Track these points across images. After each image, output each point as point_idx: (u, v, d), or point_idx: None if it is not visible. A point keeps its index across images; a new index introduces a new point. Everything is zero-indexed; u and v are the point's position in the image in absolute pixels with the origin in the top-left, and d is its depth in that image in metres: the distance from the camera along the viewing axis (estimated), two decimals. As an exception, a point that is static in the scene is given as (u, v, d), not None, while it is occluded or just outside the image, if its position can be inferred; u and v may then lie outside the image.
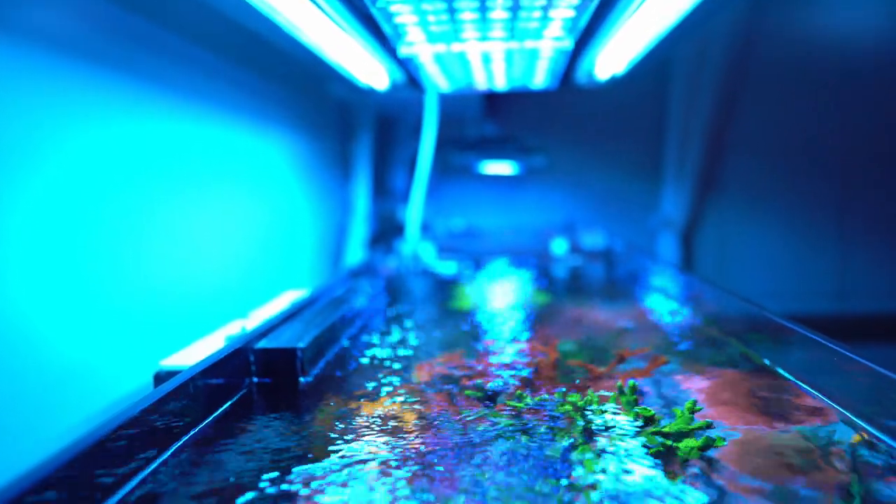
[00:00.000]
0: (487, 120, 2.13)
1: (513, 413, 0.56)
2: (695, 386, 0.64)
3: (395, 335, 0.87)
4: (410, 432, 0.53)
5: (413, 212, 1.83)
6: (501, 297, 1.16)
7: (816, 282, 2.15)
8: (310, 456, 0.48)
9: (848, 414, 0.55)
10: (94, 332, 0.76)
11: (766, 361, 0.70)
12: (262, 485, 0.44)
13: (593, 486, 0.43)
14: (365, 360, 0.75)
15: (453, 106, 1.91)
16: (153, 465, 0.47)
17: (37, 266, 0.67)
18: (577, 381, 0.65)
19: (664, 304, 1.07)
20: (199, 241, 1.04)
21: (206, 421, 0.56)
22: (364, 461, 0.47)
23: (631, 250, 1.60)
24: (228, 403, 0.60)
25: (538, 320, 0.96)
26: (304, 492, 0.43)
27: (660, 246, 2.21)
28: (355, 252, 1.94)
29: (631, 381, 0.56)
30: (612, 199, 2.25)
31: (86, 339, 0.74)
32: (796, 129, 2.12)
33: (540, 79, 1.33)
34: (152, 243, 0.90)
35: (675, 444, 0.48)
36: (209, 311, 1.05)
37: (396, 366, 0.73)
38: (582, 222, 2.14)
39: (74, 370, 0.72)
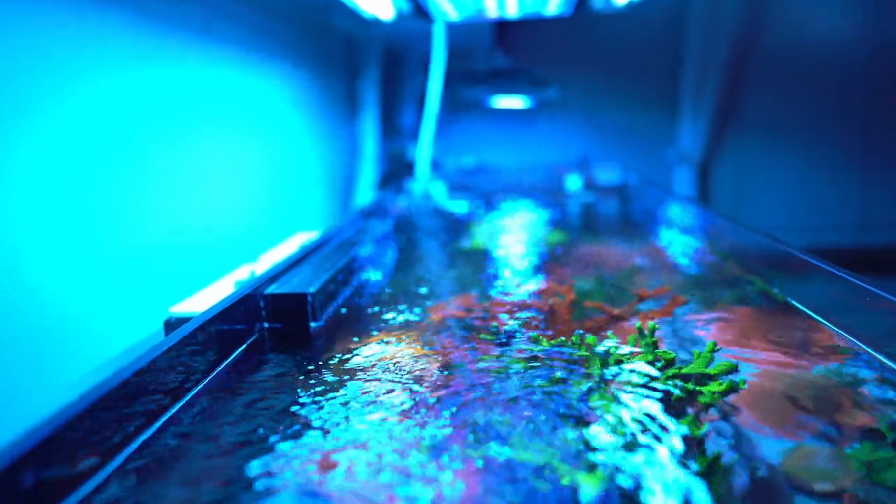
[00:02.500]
0: (498, 52, 2.05)
1: (529, 357, 0.55)
2: (714, 325, 0.62)
3: (407, 277, 0.86)
4: (424, 377, 0.52)
5: (422, 150, 1.79)
6: (515, 235, 1.14)
7: (836, 214, 2.10)
8: (322, 404, 0.48)
9: (871, 351, 0.54)
10: (102, 280, 0.75)
11: (787, 298, 0.68)
12: (276, 427, 0.43)
13: (610, 432, 0.42)
14: (376, 304, 0.74)
15: (462, 37, 1.83)
16: (171, 411, 0.46)
17: (40, 214, 0.65)
18: (595, 323, 0.64)
19: (681, 240, 1.04)
20: (205, 184, 1.02)
21: (221, 366, 0.55)
22: (376, 406, 0.46)
23: (646, 185, 1.56)
24: (241, 348, 0.60)
25: (553, 259, 0.94)
26: (317, 435, 0.42)
27: (676, 181, 2.16)
28: (365, 192, 1.91)
29: (651, 323, 0.55)
30: (627, 134, 2.18)
31: (94, 288, 0.74)
32: (819, 59, 2.02)
33: (554, 4, 1.26)
34: (157, 189, 0.88)
35: (697, 388, 0.47)
36: (218, 256, 1.04)
37: (409, 309, 0.71)
38: (596, 157, 2.09)
39: (84, 319, 0.72)
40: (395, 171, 2.00)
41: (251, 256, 0.93)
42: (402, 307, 0.72)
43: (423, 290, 0.79)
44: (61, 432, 0.36)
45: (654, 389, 0.48)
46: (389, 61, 2.01)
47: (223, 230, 1.08)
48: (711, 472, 0.37)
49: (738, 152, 2.13)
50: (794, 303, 0.67)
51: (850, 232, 2.11)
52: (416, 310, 0.71)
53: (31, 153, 0.64)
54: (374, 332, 0.64)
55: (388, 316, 0.69)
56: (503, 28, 2.06)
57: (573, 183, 1.78)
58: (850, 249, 2.08)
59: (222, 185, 1.09)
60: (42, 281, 0.65)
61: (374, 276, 0.87)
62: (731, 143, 2.12)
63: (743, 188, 2.15)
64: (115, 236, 0.78)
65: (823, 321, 0.62)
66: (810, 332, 0.59)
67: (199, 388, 0.51)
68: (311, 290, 0.67)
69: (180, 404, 0.48)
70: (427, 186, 1.75)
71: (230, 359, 0.58)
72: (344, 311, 0.72)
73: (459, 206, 1.51)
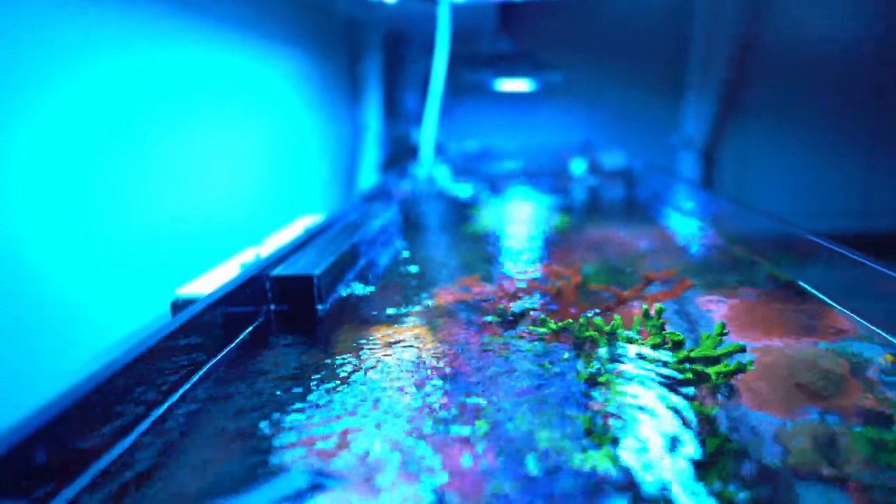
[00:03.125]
0: (502, 35, 2.03)
1: (535, 338, 0.55)
2: (721, 307, 0.62)
3: (412, 260, 0.86)
4: (430, 359, 0.52)
5: (426, 133, 1.78)
6: (520, 219, 1.14)
7: (840, 200, 2.09)
8: (333, 382, 0.48)
9: (880, 331, 0.54)
10: (105, 266, 0.75)
11: (795, 280, 0.68)
12: (280, 403, 0.44)
13: (619, 413, 0.42)
14: (382, 286, 0.74)
15: (466, 20, 1.81)
16: (183, 389, 0.46)
17: (41, 202, 0.65)
18: (601, 305, 0.64)
19: (686, 223, 1.04)
20: (208, 169, 1.02)
21: (229, 346, 0.56)
22: (382, 388, 0.47)
23: (651, 170, 1.56)
24: (248, 329, 0.60)
25: (559, 242, 0.93)
26: (326, 414, 0.42)
27: (680, 165, 2.15)
28: (369, 176, 1.91)
29: (658, 305, 0.55)
30: (631, 118, 2.17)
31: (97, 274, 0.74)
32: (826, 45, 2.00)
33: (560, -13, 1.24)
34: (159, 174, 0.87)
35: (704, 370, 0.47)
36: (222, 241, 1.04)
37: (415, 291, 0.71)
38: (601, 142, 2.08)
39: (87, 306, 0.72)
40: (399, 155, 2.00)
41: (255, 240, 0.93)
42: (407, 289, 0.72)
43: (429, 273, 0.79)
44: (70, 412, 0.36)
45: (661, 371, 0.48)
46: (393, 44, 1.99)
47: (227, 215, 1.08)
48: (719, 452, 0.37)
49: (742, 137, 2.11)
50: (802, 284, 0.67)
51: (854, 217, 2.10)
52: (422, 292, 0.71)
53: (31, 140, 0.64)
54: (380, 314, 0.64)
55: (394, 298, 0.69)
56: (508, 11, 2.04)
57: (578, 167, 1.78)
58: (853, 235, 2.07)
59: (225, 170, 1.08)
60: (45, 268, 0.65)
61: (378, 259, 0.87)
62: (736, 129, 2.10)
63: (746, 173, 2.14)
64: (117, 222, 0.78)
65: (831, 302, 0.61)
66: (818, 314, 0.59)
67: (212, 362, 0.52)
68: (317, 272, 0.67)
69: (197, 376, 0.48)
70: (431, 170, 1.75)
71: (238, 339, 0.58)
72: (349, 293, 0.72)
73: (464, 190, 1.51)
